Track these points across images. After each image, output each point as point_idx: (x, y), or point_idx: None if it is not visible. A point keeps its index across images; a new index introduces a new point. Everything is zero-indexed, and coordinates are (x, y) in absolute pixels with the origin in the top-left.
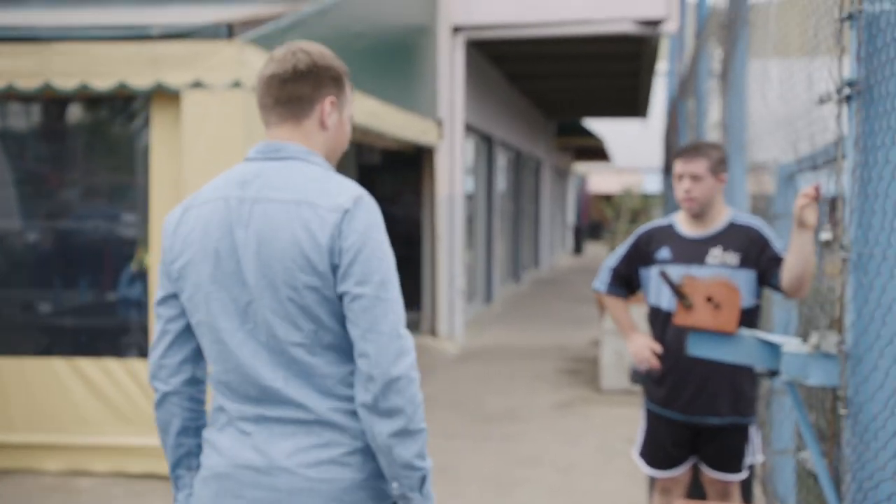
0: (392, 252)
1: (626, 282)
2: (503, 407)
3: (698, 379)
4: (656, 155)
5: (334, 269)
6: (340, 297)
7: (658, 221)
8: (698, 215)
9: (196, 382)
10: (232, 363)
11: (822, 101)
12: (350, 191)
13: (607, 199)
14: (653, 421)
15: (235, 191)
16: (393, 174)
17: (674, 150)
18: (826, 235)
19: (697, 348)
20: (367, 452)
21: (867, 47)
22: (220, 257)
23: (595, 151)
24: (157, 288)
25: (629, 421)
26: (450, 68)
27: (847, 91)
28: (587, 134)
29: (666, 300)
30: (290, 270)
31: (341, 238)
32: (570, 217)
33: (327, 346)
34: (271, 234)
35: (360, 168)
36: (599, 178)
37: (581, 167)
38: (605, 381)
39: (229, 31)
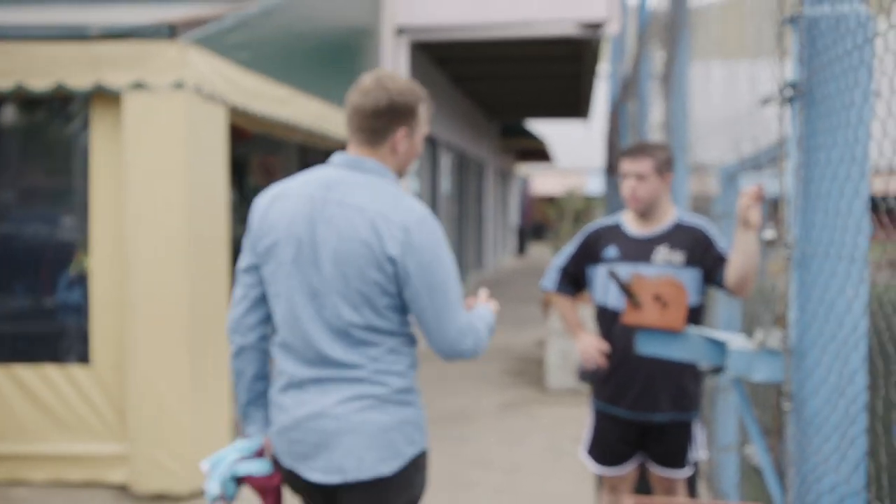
0: (451, 258)
1: (574, 280)
2: (451, 408)
3: (643, 377)
4: (598, 156)
5: (396, 274)
6: (400, 296)
7: (605, 220)
8: (644, 214)
9: (266, 339)
10: (299, 331)
11: (765, 102)
12: (416, 210)
13: (550, 200)
14: (600, 419)
15: (321, 191)
16: None
17: (616, 152)
18: (769, 234)
19: (645, 346)
20: (400, 403)
21: (809, 50)
22: (302, 245)
23: (538, 153)
24: (241, 258)
25: (575, 420)
26: (393, 70)
27: (789, 92)
28: (530, 135)
29: (613, 299)
30: (361, 267)
31: (405, 252)
32: (514, 218)
33: (378, 329)
34: (350, 233)
35: (303, 169)
36: (542, 180)
37: (524, 169)
38: (551, 382)
39: (172, 31)
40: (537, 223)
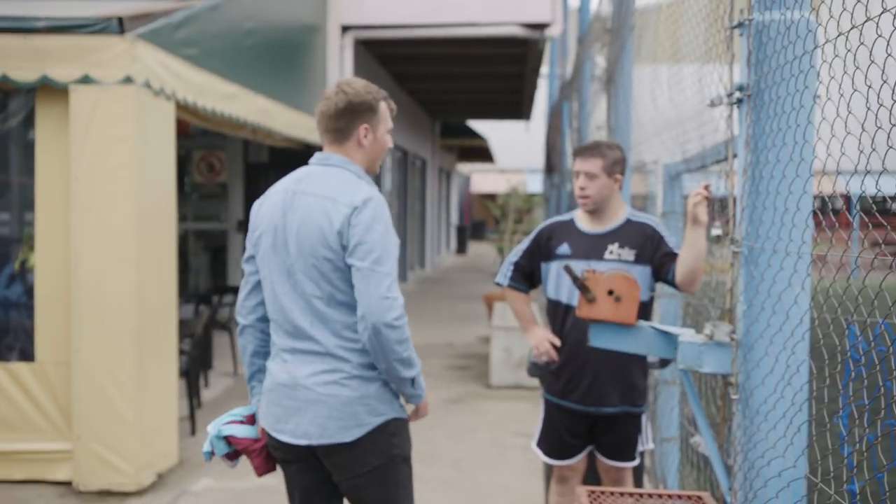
0: (394, 238)
1: (527, 276)
2: None
3: (593, 370)
4: (538, 156)
5: (344, 247)
6: (349, 268)
7: (559, 217)
8: (594, 212)
9: (266, 320)
10: (279, 307)
11: (713, 104)
12: (363, 193)
13: (491, 198)
14: (551, 412)
15: (293, 185)
16: (282, 172)
17: (555, 152)
18: (717, 231)
19: (599, 340)
20: (363, 378)
21: (757, 54)
22: (277, 233)
23: (479, 152)
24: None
25: (519, 415)
26: (339, 67)
27: (738, 95)
28: (471, 135)
29: (566, 294)
30: (315, 246)
31: (350, 226)
32: (454, 217)
33: (339, 301)
34: (307, 218)
35: (248, 166)
36: (482, 179)
37: (465, 167)
38: (495, 378)
39: (120, 25)
40: (477, 222)
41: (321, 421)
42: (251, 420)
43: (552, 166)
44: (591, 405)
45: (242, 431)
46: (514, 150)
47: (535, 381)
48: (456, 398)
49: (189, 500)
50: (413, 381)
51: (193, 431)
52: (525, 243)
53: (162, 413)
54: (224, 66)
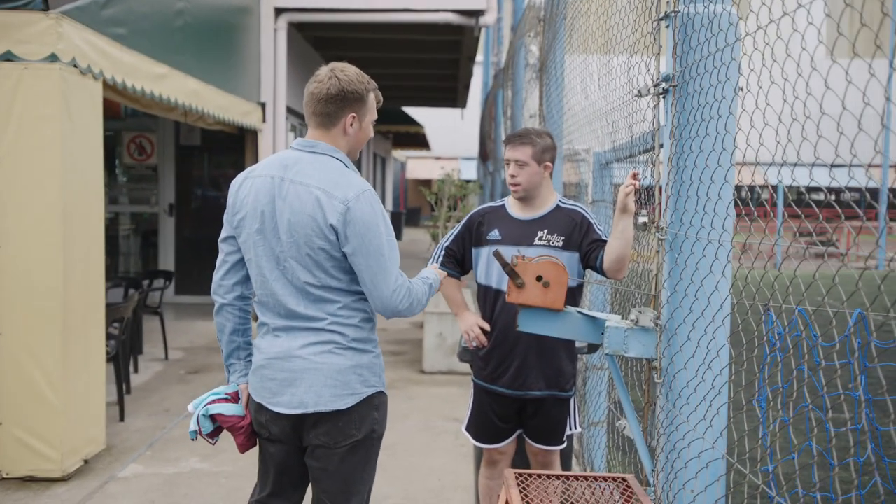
0: (388, 228)
1: (458, 261)
2: None
3: (521, 355)
4: (473, 143)
5: (339, 240)
6: (345, 257)
7: (491, 203)
8: (524, 199)
9: (244, 298)
10: (269, 291)
11: (640, 94)
12: (356, 186)
13: (426, 184)
14: (480, 396)
15: (280, 171)
16: (215, 155)
17: (489, 139)
18: (643, 219)
19: (527, 325)
20: (356, 350)
21: (682, 46)
22: (265, 218)
23: (414, 138)
24: (222, 231)
25: (452, 401)
26: (273, 50)
27: (664, 85)
28: (407, 121)
29: (495, 279)
30: (309, 236)
31: (346, 224)
32: (390, 203)
33: (332, 287)
34: (299, 208)
35: (179, 149)
36: (417, 165)
37: (400, 154)
38: (428, 363)
39: (45, 2)
40: (413, 208)
41: (317, 389)
42: (235, 398)
43: (486, 154)
44: (518, 389)
45: (229, 409)
46: (449, 137)
47: (468, 367)
48: (389, 384)
49: (117, 486)
50: (430, 289)
51: (122, 417)
52: (457, 228)
53: (89, 398)
54: (154, 46)
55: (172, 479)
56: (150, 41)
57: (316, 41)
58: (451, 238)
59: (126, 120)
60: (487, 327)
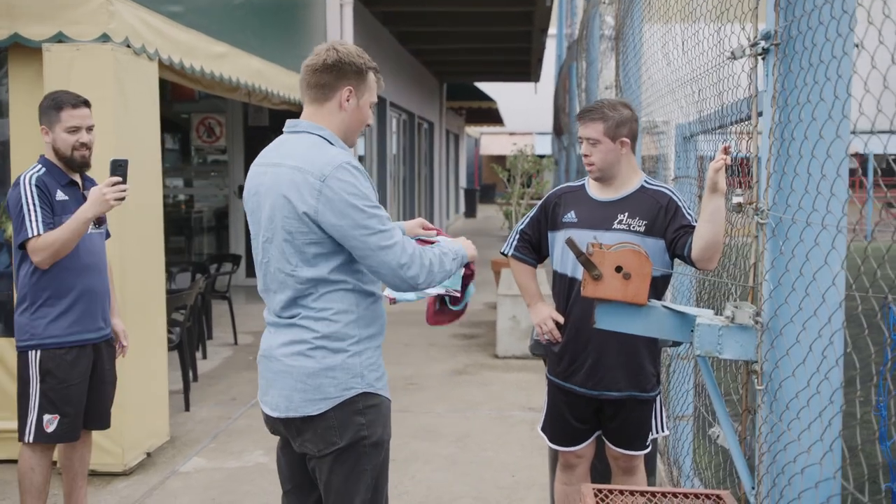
0: (374, 198)
1: (534, 246)
2: (399, 376)
3: (597, 351)
4: (548, 118)
5: (317, 222)
6: (330, 243)
7: (571, 183)
8: (601, 179)
9: None
10: (262, 284)
11: (734, 56)
12: (331, 160)
13: (500, 161)
14: (554, 393)
15: (268, 155)
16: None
17: (563, 114)
18: (738, 198)
19: (605, 321)
20: (328, 349)
21: None
22: (254, 207)
23: (488, 114)
24: None
25: (526, 387)
26: (339, 27)
27: (764, 44)
28: (480, 96)
29: (570, 266)
30: (284, 219)
31: (321, 200)
32: (463, 180)
33: (307, 277)
34: (276, 190)
35: (248, 129)
36: (491, 141)
37: (473, 130)
38: (501, 347)
39: None
40: (486, 185)
41: (287, 393)
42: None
43: (560, 128)
44: (593, 388)
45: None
46: (523, 112)
47: None
48: (461, 369)
49: (178, 482)
50: (455, 262)
51: (187, 406)
52: (533, 210)
53: (151, 390)
54: (212, 23)
55: (234, 473)
56: (208, 18)
57: (385, 17)
58: (526, 221)
59: (199, 102)
60: (561, 320)
